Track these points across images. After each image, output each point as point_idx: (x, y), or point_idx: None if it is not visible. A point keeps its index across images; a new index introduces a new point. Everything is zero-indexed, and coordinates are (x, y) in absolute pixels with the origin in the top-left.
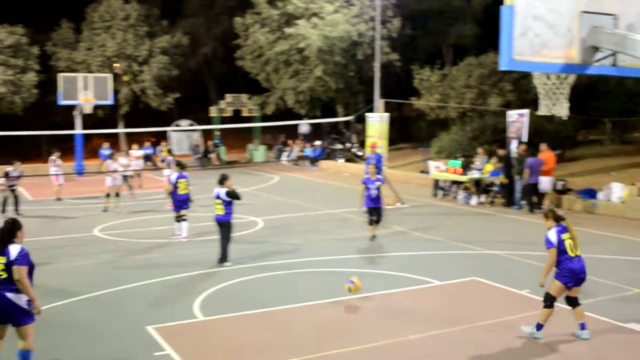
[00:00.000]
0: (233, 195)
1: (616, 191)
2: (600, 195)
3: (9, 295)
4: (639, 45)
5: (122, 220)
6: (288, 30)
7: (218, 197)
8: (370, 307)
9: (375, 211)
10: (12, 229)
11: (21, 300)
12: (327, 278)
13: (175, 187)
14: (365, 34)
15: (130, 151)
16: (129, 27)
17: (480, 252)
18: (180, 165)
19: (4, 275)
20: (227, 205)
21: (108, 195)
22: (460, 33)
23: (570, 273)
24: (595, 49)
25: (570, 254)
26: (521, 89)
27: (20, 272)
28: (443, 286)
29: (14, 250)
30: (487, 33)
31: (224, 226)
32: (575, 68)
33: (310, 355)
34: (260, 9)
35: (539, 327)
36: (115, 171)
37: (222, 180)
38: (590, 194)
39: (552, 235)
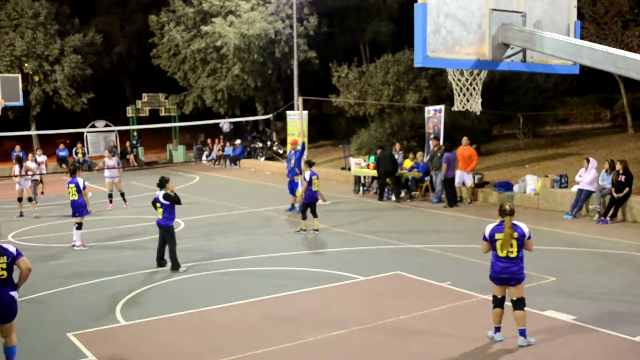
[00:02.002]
0: (170, 198)
1: (530, 183)
2: (516, 188)
3: (13, 293)
4: (546, 41)
5: (36, 226)
6: (204, 28)
7: (158, 201)
8: (295, 305)
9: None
10: None
11: (17, 296)
12: (250, 277)
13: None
14: (282, 31)
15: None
16: (39, 25)
17: (402, 247)
18: (72, 170)
19: (5, 275)
20: (167, 209)
21: (20, 200)
22: (377, 30)
23: (493, 271)
24: (506, 45)
25: (500, 254)
26: (437, 85)
27: (27, 261)
28: (367, 281)
29: (11, 247)
30: (403, 30)
31: (164, 231)
32: (487, 64)
33: (236, 355)
34: (175, 6)
35: (495, 329)
36: (25, 174)
37: (163, 183)
38: (506, 186)
39: (487, 230)
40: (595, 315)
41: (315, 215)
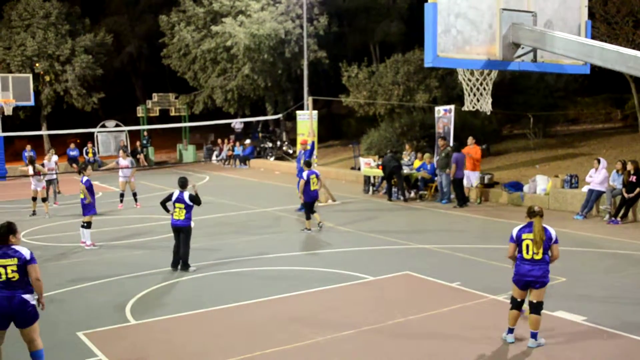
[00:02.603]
0: (195, 199)
1: (540, 183)
2: (526, 188)
3: (26, 296)
4: (556, 41)
5: (47, 225)
6: (214, 28)
7: (180, 201)
8: (305, 305)
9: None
10: (9, 231)
11: (33, 300)
12: (259, 277)
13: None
14: (292, 31)
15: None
16: (50, 25)
17: (411, 247)
18: (79, 169)
19: (16, 277)
20: (189, 209)
21: (34, 199)
22: (387, 30)
23: (517, 273)
24: (516, 45)
25: (525, 256)
26: (447, 85)
27: (38, 271)
28: (377, 281)
29: (25, 251)
30: (413, 30)
31: (184, 232)
32: (497, 64)
33: (245, 355)
34: (186, 6)
35: (509, 331)
36: (38, 174)
37: (185, 184)
38: (516, 186)
39: (514, 231)
40: (606, 316)
41: (313, 211)
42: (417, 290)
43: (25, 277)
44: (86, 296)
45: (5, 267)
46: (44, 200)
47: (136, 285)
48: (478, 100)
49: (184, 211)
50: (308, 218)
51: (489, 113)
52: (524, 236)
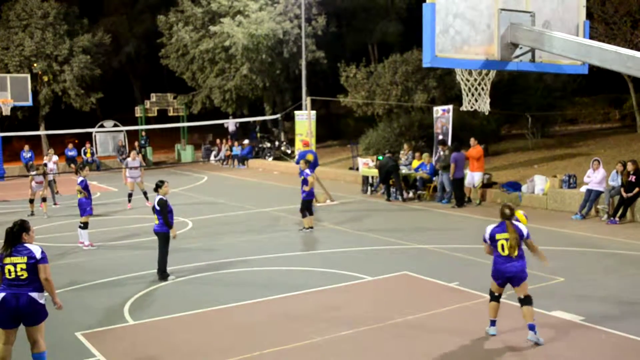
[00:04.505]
0: (162, 206)
1: (539, 184)
2: (524, 188)
3: (34, 294)
4: (555, 41)
5: (46, 225)
6: (213, 28)
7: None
8: (303, 305)
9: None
10: (22, 229)
11: (41, 299)
12: (258, 277)
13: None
14: (290, 31)
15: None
16: (48, 25)
17: (410, 247)
18: (78, 169)
19: (25, 275)
20: (159, 215)
21: (32, 201)
22: (385, 30)
23: (495, 271)
24: (514, 45)
25: (502, 253)
26: (445, 85)
27: (47, 270)
28: (375, 281)
29: (36, 250)
30: (411, 30)
31: (159, 237)
32: (496, 64)
33: (244, 355)
34: (184, 7)
35: (491, 323)
36: (44, 174)
37: (158, 186)
38: (515, 186)
39: (487, 231)
40: (604, 316)
41: (311, 212)
42: (416, 291)
43: (35, 276)
44: (84, 296)
45: (15, 264)
46: (44, 200)
47: (134, 286)
48: (476, 101)
49: (156, 215)
50: (304, 217)
51: (487, 113)
52: (497, 236)
